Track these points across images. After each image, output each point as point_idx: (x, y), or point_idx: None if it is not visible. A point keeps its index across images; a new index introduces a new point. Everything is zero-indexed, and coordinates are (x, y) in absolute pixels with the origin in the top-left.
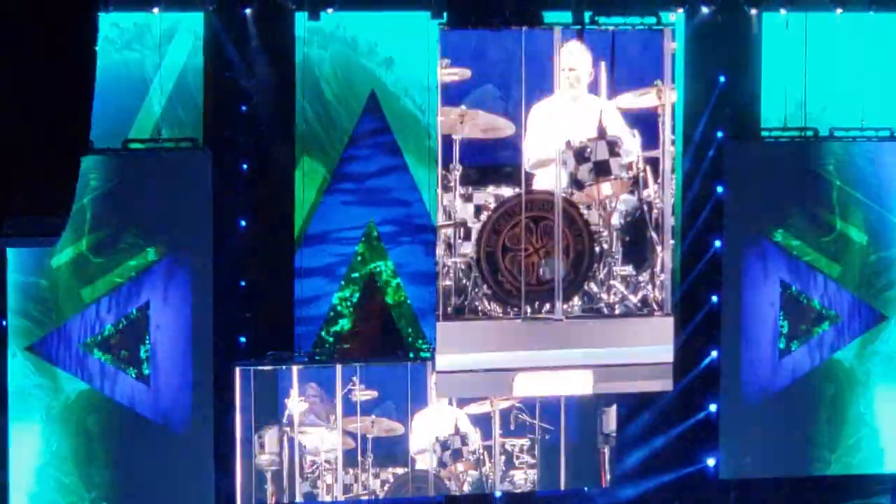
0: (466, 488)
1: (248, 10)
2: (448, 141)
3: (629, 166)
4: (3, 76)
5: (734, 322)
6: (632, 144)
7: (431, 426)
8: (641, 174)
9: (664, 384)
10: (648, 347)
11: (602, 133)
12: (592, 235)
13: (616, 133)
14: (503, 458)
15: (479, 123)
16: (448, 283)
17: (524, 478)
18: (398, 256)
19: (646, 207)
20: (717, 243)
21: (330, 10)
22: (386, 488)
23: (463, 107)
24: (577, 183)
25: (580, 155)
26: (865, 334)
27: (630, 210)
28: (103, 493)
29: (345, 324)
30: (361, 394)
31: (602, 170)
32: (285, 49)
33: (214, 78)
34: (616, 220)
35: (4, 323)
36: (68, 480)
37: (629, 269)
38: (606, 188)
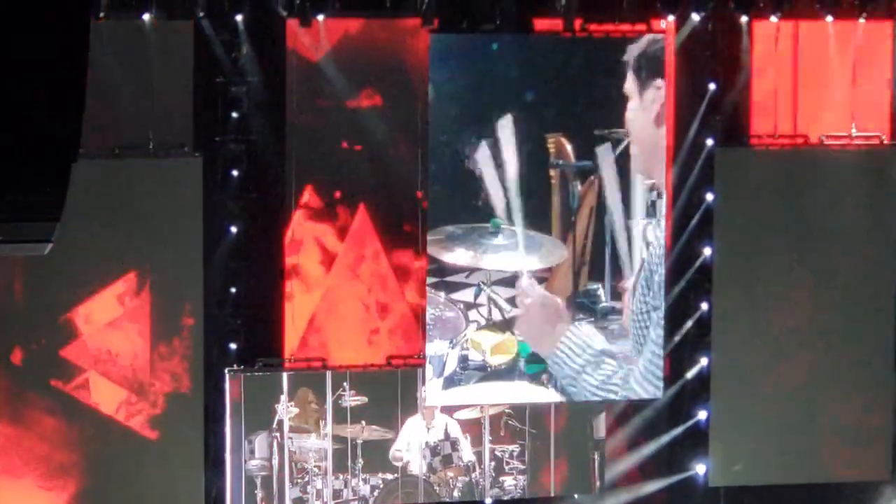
0: (456, 494)
1: (238, 17)
2: None
3: None
4: None
5: (724, 329)
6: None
7: (420, 431)
8: None
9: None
10: None
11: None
12: None
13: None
14: (493, 464)
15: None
16: None
17: (514, 484)
18: None
19: None
20: (707, 250)
21: (321, 17)
22: (375, 494)
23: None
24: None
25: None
26: (858, 343)
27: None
28: (93, 498)
29: None
30: (352, 399)
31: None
32: (276, 55)
33: (205, 84)
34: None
35: None
36: (52, 485)
37: None
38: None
